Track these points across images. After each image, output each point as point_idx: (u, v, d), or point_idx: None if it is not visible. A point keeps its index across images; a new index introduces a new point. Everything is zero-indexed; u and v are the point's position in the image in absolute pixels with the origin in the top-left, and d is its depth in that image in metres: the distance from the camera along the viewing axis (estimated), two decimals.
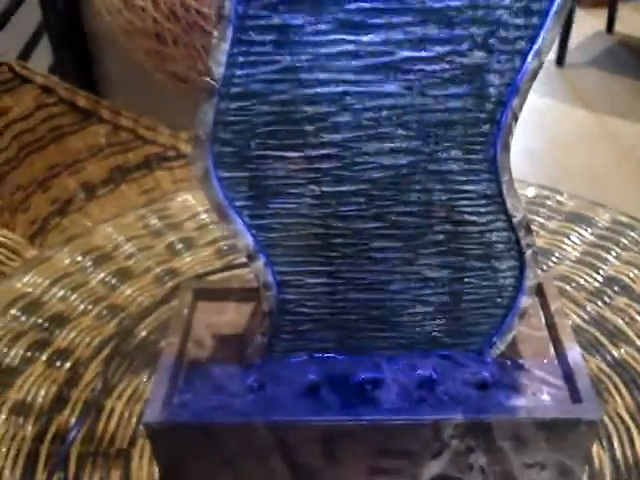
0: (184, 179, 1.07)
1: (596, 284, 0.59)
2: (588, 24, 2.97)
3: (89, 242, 0.66)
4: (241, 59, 0.31)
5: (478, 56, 0.31)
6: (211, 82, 0.31)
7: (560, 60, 2.65)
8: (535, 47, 0.30)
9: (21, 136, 0.97)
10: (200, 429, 0.37)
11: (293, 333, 0.40)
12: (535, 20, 0.30)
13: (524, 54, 0.31)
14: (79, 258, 0.64)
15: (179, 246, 0.66)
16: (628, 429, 0.47)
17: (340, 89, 0.32)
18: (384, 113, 0.32)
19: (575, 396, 0.37)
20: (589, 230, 0.65)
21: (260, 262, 0.37)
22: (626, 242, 0.63)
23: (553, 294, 0.43)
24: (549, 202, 0.69)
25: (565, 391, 0.38)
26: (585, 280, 0.59)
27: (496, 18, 0.30)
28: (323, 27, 0.30)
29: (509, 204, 0.35)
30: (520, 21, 0.30)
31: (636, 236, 0.64)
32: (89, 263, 0.64)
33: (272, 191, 0.35)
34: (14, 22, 1.36)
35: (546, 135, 2.18)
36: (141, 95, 1.61)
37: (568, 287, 0.59)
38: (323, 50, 0.31)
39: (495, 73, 0.31)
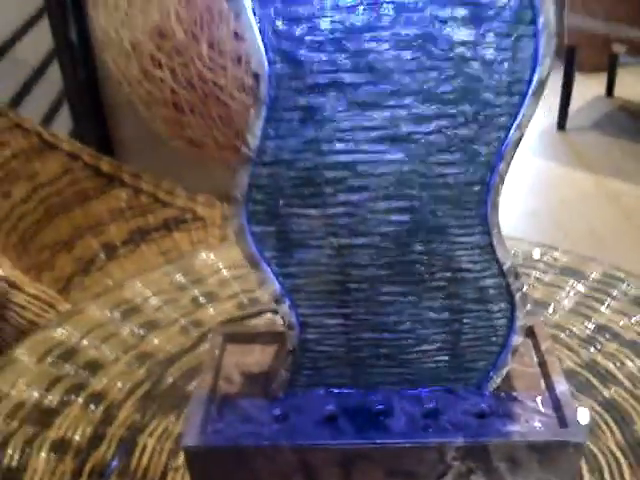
0: (201, 240, 1.14)
1: (588, 332, 0.65)
2: (588, 89, 3.08)
3: (119, 296, 0.73)
4: (272, 133, 0.38)
5: (469, 130, 0.38)
6: (247, 152, 0.38)
7: (561, 124, 2.75)
8: (516, 122, 0.37)
9: (48, 199, 1.05)
10: (232, 452, 0.42)
11: (313, 369, 0.46)
12: (515, 100, 0.37)
13: (507, 128, 0.38)
14: (110, 311, 0.71)
15: (202, 300, 0.72)
16: (618, 462, 0.52)
17: (354, 157, 0.39)
18: (391, 177, 0.39)
19: (563, 422, 0.43)
20: (582, 282, 0.71)
21: (285, 305, 0.43)
22: (616, 293, 0.69)
23: (543, 335, 0.49)
24: (545, 258, 0.75)
25: (554, 419, 0.44)
26: (578, 328, 0.65)
27: (483, 99, 0.37)
28: (340, 107, 0.38)
29: (499, 254, 0.41)
30: (503, 101, 0.37)
31: (625, 288, 0.70)
32: (119, 316, 0.70)
33: (296, 243, 0.41)
34: (37, 89, 1.46)
35: (548, 197, 2.26)
36: (156, 161, 1.70)
37: (562, 334, 0.64)
38: (340, 125, 0.38)
39: (483, 143, 0.38)
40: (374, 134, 0.38)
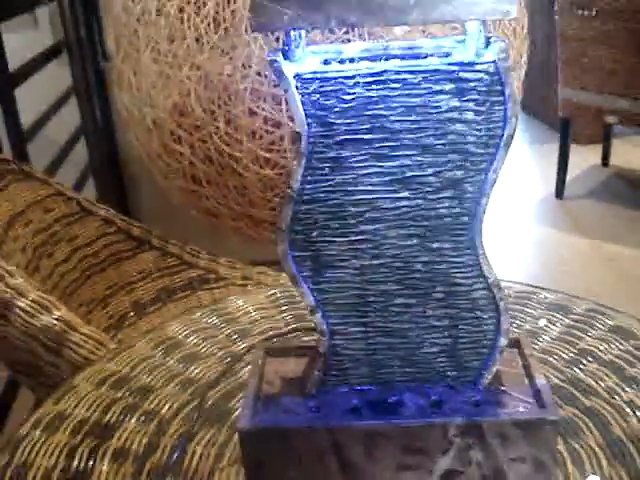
0: (222, 299, 1.27)
1: (572, 355, 0.77)
2: (585, 159, 3.26)
3: (162, 334, 0.86)
4: (309, 178, 0.52)
5: (457, 173, 0.51)
6: (291, 193, 0.52)
7: (559, 193, 2.91)
8: (492, 167, 0.51)
9: (85, 260, 1.18)
10: (276, 432, 0.54)
11: (339, 370, 0.58)
12: (492, 150, 0.51)
13: (486, 171, 0.51)
14: (155, 348, 0.83)
15: (235, 336, 0.85)
16: (597, 457, 0.63)
17: (372, 196, 0.52)
18: (399, 211, 0.53)
19: (542, 405, 0.55)
20: (568, 316, 0.84)
21: (318, 315, 0.56)
22: (598, 324, 0.82)
23: (527, 345, 0.62)
24: (534, 296, 0.88)
25: (535, 404, 0.56)
26: (564, 352, 0.78)
27: (467, 150, 0.51)
28: (361, 157, 0.51)
29: (485, 270, 0.54)
30: (482, 151, 0.51)
31: (605, 319, 0.82)
32: (163, 350, 0.83)
33: (327, 264, 0.54)
34: (65, 163, 1.61)
35: (547, 261, 2.40)
36: (171, 231, 1.83)
37: (550, 358, 0.77)
38: (360, 172, 0.52)
39: (469, 183, 0.52)
40: (386, 178, 0.52)
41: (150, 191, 1.90)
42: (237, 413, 0.70)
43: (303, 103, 0.50)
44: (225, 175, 1.58)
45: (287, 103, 1.40)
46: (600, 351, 0.77)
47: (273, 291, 0.95)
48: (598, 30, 2.60)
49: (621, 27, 2.53)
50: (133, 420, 0.72)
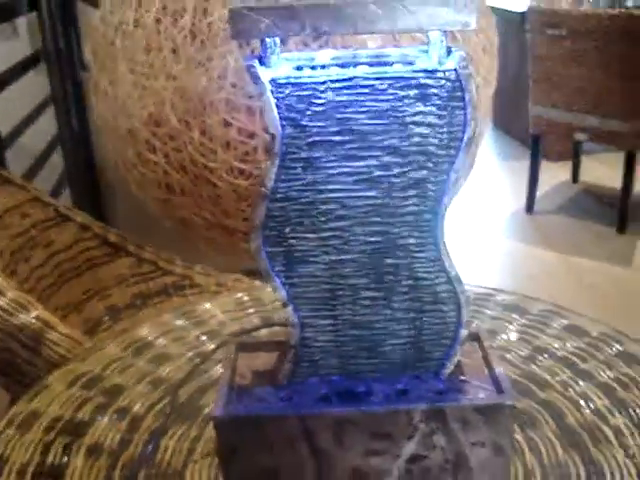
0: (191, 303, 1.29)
1: (528, 352, 0.81)
2: (554, 175, 3.34)
3: (133, 336, 0.88)
4: (282, 177, 0.55)
5: (421, 173, 0.55)
6: (265, 191, 0.55)
7: (529, 208, 2.98)
8: (454, 167, 0.55)
9: (62, 265, 1.21)
10: (249, 420, 0.58)
11: (310, 361, 0.61)
12: (453, 152, 0.55)
13: (448, 171, 0.55)
14: (125, 348, 0.86)
15: (204, 337, 0.88)
16: (553, 444, 0.67)
17: (341, 195, 0.56)
18: (367, 209, 0.57)
19: (500, 391, 0.59)
20: (524, 316, 0.88)
21: (290, 308, 0.59)
22: (553, 324, 0.86)
23: (486, 338, 0.66)
24: (492, 298, 0.92)
25: (494, 391, 0.60)
26: (521, 350, 0.82)
27: (431, 151, 0.55)
28: (331, 158, 0.55)
29: (447, 265, 0.58)
30: (444, 152, 0.55)
31: (560, 319, 0.87)
32: (133, 351, 0.85)
33: (299, 260, 0.58)
34: (42, 171, 1.63)
35: (516, 273, 2.46)
36: (145, 239, 1.85)
37: (508, 355, 0.81)
38: (330, 172, 0.56)
39: (432, 183, 0.56)
40: (354, 178, 0.56)
41: (125, 199, 1.93)
42: (210, 407, 0.73)
43: (277, 106, 0.53)
44: (199, 185, 1.60)
45: (261, 114, 1.44)
46: (555, 348, 0.82)
47: (240, 295, 0.99)
48: (568, 49, 2.68)
49: (590, 47, 2.61)
50: (106, 417, 0.74)
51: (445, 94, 0.54)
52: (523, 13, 2.98)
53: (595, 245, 2.64)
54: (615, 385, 0.75)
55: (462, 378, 0.62)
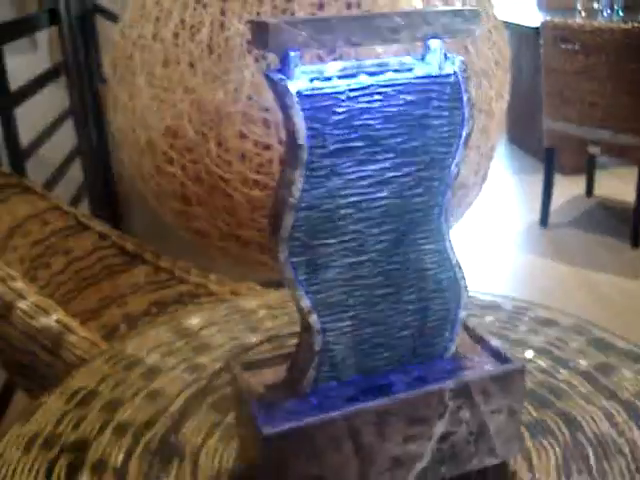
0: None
1: (507, 346, 0.86)
2: (569, 189, 3.35)
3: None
4: (307, 186, 0.58)
5: (427, 171, 0.60)
6: (293, 200, 0.57)
7: (543, 221, 3.00)
8: (454, 162, 0.59)
9: (80, 272, 1.24)
10: (300, 431, 0.58)
11: (331, 366, 0.63)
12: (453, 149, 0.59)
13: (449, 167, 0.59)
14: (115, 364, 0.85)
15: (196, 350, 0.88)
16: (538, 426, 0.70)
17: (358, 198, 0.59)
18: (380, 210, 0.60)
19: (505, 361, 0.64)
20: (499, 314, 0.94)
21: (314, 316, 0.61)
22: (526, 319, 0.92)
23: (468, 321, 0.69)
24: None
25: (498, 363, 0.64)
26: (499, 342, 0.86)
27: (434, 150, 0.59)
28: (349, 164, 0.58)
29: (450, 253, 0.62)
30: (445, 150, 0.59)
31: (532, 314, 0.93)
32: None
33: (320, 266, 0.60)
34: (61, 182, 1.66)
35: (530, 286, 2.48)
36: (161, 249, 1.88)
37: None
38: (349, 177, 0.59)
39: (436, 180, 0.60)
40: (369, 181, 0.59)
41: (142, 210, 1.96)
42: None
43: (304, 118, 0.56)
44: (215, 196, 1.63)
45: (277, 126, 1.47)
46: (532, 340, 0.88)
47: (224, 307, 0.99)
48: (581, 63, 2.71)
49: (603, 61, 2.64)
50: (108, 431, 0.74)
51: (446, 96, 0.59)
52: (537, 28, 3.02)
53: (609, 259, 2.66)
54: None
55: (463, 356, 0.66)
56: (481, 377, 0.62)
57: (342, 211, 0.60)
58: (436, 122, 0.59)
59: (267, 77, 0.56)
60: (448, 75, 0.58)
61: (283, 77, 0.55)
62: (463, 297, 0.64)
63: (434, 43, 0.57)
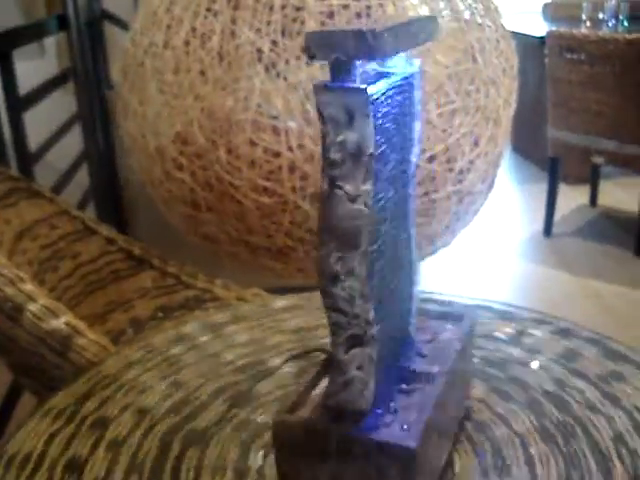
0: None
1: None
2: (573, 199, 3.35)
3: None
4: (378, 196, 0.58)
5: (406, 165, 0.63)
6: (343, 192, 0.55)
7: (547, 231, 2.99)
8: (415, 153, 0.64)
9: (87, 276, 1.24)
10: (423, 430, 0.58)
11: (378, 357, 0.61)
12: (414, 142, 0.64)
13: (411, 160, 0.64)
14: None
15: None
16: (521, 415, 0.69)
17: (381, 195, 0.59)
18: (390, 202, 0.60)
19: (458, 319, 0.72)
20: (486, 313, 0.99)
21: (369, 305, 0.58)
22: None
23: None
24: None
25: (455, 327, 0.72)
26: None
27: (410, 144, 0.63)
28: (386, 162, 0.58)
29: (413, 235, 0.66)
30: (410, 144, 0.63)
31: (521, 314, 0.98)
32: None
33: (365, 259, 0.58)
34: (68, 187, 1.66)
35: (534, 296, 2.46)
36: (168, 255, 1.88)
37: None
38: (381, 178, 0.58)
39: (407, 174, 0.63)
40: (388, 181, 0.59)
41: (147, 216, 1.96)
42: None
43: (375, 121, 0.54)
44: (224, 202, 1.62)
45: (286, 133, 1.47)
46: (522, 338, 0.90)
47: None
48: (586, 73, 2.71)
49: (608, 71, 2.64)
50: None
51: (412, 94, 0.62)
52: (542, 37, 3.02)
53: (613, 268, 2.65)
54: None
55: (421, 327, 0.71)
56: (464, 332, 0.71)
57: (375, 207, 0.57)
58: (407, 118, 0.62)
59: (328, 87, 0.53)
60: (412, 75, 0.62)
61: (359, 86, 0.53)
62: (418, 274, 0.68)
63: None
